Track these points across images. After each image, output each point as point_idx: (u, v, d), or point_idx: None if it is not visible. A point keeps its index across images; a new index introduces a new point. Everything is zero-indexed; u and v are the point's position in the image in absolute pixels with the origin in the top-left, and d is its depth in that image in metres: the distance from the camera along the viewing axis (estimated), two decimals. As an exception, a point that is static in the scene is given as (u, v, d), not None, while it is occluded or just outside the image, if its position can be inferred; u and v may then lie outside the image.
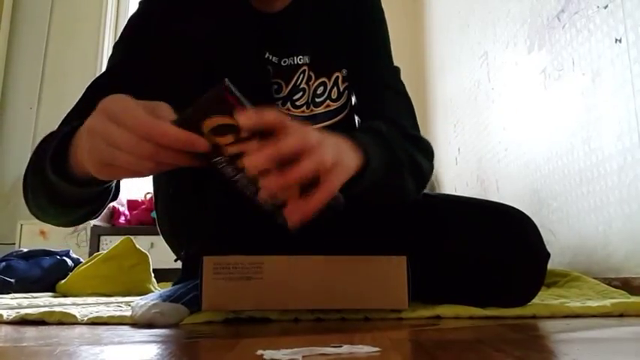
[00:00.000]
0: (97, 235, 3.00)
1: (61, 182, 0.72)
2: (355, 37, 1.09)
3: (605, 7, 1.39)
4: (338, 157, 0.66)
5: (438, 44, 3.39)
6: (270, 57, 1.01)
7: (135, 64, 0.98)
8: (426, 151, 1.02)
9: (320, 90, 1.05)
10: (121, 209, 3.30)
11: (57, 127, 0.92)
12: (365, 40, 1.10)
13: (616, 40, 1.35)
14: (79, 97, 0.97)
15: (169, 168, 0.63)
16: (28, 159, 0.82)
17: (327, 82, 1.06)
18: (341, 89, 1.07)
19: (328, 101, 1.05)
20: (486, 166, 2.45)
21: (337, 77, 1.07)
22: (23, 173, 0.84)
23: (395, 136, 0.90)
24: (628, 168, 1.30)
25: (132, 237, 2.00)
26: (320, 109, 1.04)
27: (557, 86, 1.68)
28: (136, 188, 3.31)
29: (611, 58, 1.37)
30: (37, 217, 0.88)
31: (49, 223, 0.91)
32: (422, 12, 3.76)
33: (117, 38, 1.05)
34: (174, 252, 1.13)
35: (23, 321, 0.90)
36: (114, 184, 0.85)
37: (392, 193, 0.92)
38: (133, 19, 1.05)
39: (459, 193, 2.82)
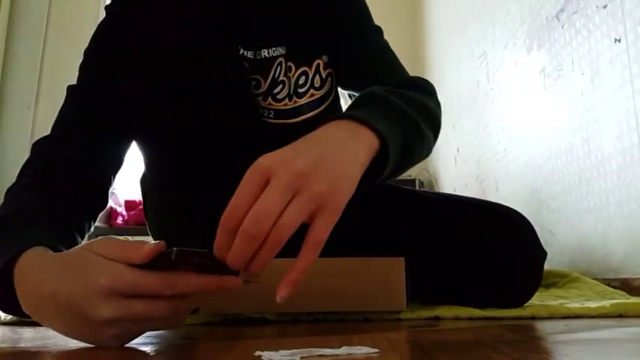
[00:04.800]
0: (94, 235, 2.97)
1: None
2: (332, 20, 1.06)
3: (605, 6, 1.39)
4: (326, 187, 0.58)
5: (436, 44, 3.39)
6: (245, 52, 0.99)
7: (109, 74, 0.99)
8: (429, 92, 0.99)
9: (302, 80, 1.02)
10: (119, 210, 3.30)
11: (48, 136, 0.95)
12: (344, 18, 1.07)
13: (615, 40, 1.35)
14: (64, 106, 0.99)
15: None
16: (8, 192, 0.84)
17: (309, 70, 1.03)
18: (323, 76, 1.04)
19: (312, 90, 1.02)
20: (485, 166, 2.45)
21: (318, 64, 1.04)
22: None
23: (398, 93, 0.82)
24: (627, 168, 1.30)
25: (130, 237, 2.00)
26: (304, 100, 1.01)
27: (557, 86, 1.68)
28: (133, 189, 3.31)
29: (611, 58, 1.37)
30: None
31: None
32: (421, 12, 3.76)
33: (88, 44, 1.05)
34: None
35: (21, 321, 0.90)
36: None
37: (418, 152, 0.84)
38: (101, 27, 1.05)
39: (457, 193, 2.82)
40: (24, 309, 0.61)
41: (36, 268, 0.61)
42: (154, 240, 1.12)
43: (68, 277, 0.57)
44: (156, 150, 1.04)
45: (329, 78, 1.05)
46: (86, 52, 1.04)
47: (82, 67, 1.03)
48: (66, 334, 0.60)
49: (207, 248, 0.59)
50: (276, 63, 1.00)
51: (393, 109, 0.77)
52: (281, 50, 1.00)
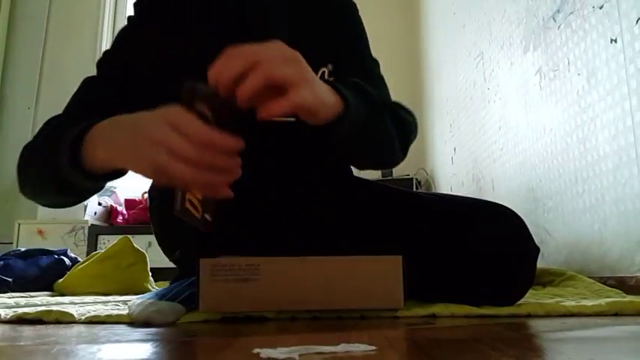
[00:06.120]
0: (94, 234, 3.00)
1: (77, 176, 0.79)
2: (337, 37, 1.12)
3: (601, 7, 1.40)
4: (308, 79, 0.73)
5: (434, 45, 3.39)
6: None
7: (119, 74, 1.05)
8: (407, 110, 1.06)
9: None
10: (119, 208, 3.30)
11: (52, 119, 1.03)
12: (349, 39, 1.14)
13: (611, 40, 1.35)
14: (76, 93, 1.07)
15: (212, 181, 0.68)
16: (30, 142, 0.96)
17: None
18: None
19: None
20: (482, 166, 2.46)
21: (324, 72, 1.07)
22: (20, 155, 0.96)
23: (371, 89, 0.92)
24: (623, 167, 1.31)
25: (129, 236, 2.00)
26: None
27: (553, 86, 1.69)
28: (134, 188, 3.31)
29: (607, 58, 1.38)
30: (30, 198, 0.98)
31: (40, 203, 1.03)
32: (418, 13, 3.76)
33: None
34: (165, 253, 1.15)
35: (20, 320, 0.90)
36: None
37: (377, 137, 0.93)
38: (120, 32, 1.12)
39: (454, 192, 2.83)
40: (96, 139, 0.76)
41: (108, 122, 0.77)
42: (159, 243, 1.15)
43: (138, 115, 0.72)
44: None
45: None
46: (104, 53, 1.10)
47: (97, 64, 1.08)
48: (120, 154, 0.73)
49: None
50: None
51: (363, 93, 0.89)
52: None
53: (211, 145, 0.65)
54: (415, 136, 1.08)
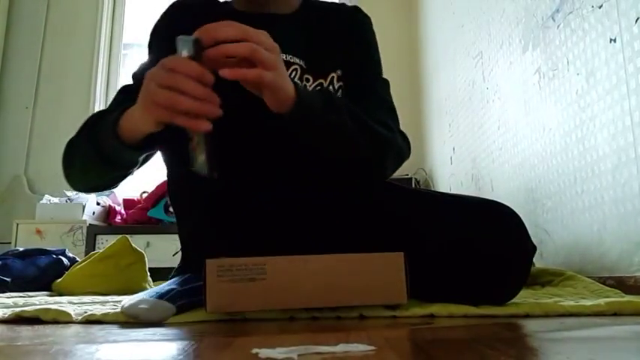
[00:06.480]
0: (93, 234, 2.99)
1: (118, 146, 0.92)
2: (348, 46, 1.16)
3: (600, 6, 1.40)
4: (279, 68, 0.85)
5: (432, 44, 3.39)
6: None
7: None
8: (403, 135, 1.11)
9: (317, 90, 1.08)
10: (117, 208, 3.30)
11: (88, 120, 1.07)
12: (358, 50, 1.18)
13: (610, 39, 1.35)
14: (114, 98, 1.15)
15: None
16: (75, 135, 1.04)
17: (324, 82, 1.10)
18: (336, 87, 1.11)
19: None
20: (481, 166, 2.46)
21: (333, 77, 1.11)
22: (66, 146, 1.04)
23: (335, 95, 1.01)
24: (622, 167, 1.31)
25: (128, 236, 2.00)
26: None
27: (552, 86, 1.69)
28: (132, 187, 3.31)
29: (606, 57, 1.38)
30: (75, 182, 1.07)
31: (84, 187, 1.13)
32: (417, 12, 3.76)
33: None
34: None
35: (19, 319, 0.90)
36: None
37: (335, 136, 0.97)
38: (155, 31, 1.21)
39: (453, 192, 2.83)
40: (123, 117, 0.91)
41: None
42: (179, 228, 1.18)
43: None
44: (170, 150, 1.10)
45: (340, 90, 1.13)
46: (140, 65, 1.17)
47: (133, 76, 1.16)
48: (132, 111, 0.90)
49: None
50: (292, 68, 1.07)
51: (322, 93, 0.99)
52: (297, 60, 1.09)
53: (180, 69, 0.78)
54: (397, 153, 1.09)
